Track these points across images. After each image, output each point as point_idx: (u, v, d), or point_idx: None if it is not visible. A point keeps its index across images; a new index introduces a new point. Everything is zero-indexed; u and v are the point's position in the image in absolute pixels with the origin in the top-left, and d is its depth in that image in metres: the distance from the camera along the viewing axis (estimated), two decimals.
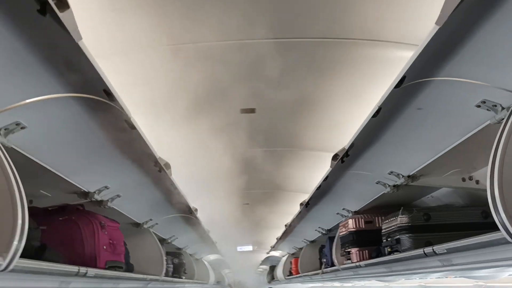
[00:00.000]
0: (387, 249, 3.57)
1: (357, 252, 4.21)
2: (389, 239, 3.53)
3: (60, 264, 2.29)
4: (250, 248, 11.36)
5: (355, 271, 4.43)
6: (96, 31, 2.13)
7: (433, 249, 2.42)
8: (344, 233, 4.55)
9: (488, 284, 4.43)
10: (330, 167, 2.82)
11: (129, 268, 4.36)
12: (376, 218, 4.28)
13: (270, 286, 13.55)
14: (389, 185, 3.47)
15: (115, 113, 1.93)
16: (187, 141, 3.19)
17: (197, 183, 4.22)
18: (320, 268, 5.92)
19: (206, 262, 11.02)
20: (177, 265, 6.66)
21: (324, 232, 6.13)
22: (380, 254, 3.87)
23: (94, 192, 3.14)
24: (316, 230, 6.30)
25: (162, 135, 3.01)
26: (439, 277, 4.27)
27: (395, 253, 3.37)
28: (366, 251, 4.18)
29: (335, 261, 4.79)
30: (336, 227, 5.22)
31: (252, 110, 2.79)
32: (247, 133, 3.16)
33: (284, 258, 10.17)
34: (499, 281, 4.47)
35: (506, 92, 1.89)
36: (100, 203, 3.39)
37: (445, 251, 2.29)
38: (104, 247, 3.25)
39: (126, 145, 2.36)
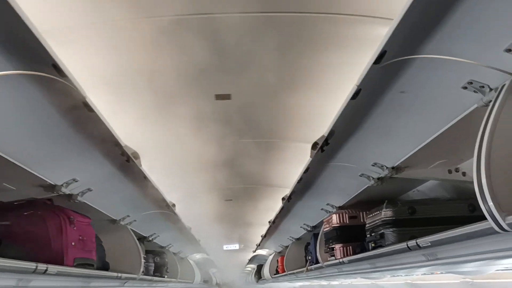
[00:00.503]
0: (371, 244, 3.43)
1: (341, 248, 4.07)
2: (373, 234, 3.40)
3: (14, 260, 2.11)
4: (236, 246, 11.19)
5: (339, 268, 4.30)
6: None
7: (416, 243, 2.29)
8: (328, 229, 4.41)
9: (475, 281, 4.33)
10: (310, 156, 2.67)
11: (105, 266, 4.18)
12: (361, 213, 4.14)
13: None
14: (373, 178, 3.33)
15: (69, 93, 1.77)
16: (159, 131, 3.00)
17: (174, 177, 4.05)
18: (305, 266, 5.78)
19: (191, 261, 10.83)
20: (159, 263, 6.48)
21: (309, 229, 5.98)
22: (364, 250, 3.74)
23: (62, 185, 2.96)
24: (301, 227, 6.16)
25: (131, 123, 2.82)
26: (425, 273, 4.16)
27: (379, 248, 3.24)
28: (350, 247, 4.04)
29: (319, 258, 4.65)
30: (322, 223, 5.09)
31: (227, 96, 2.62)
32: (223, 122, 2.99)
33: (271, 257, 10.03)
34: (486, 277, 4.38)
35: (495, 71, 1.75)
36: (69, 197, 3.20)
37: (429, 244, 2.15)
38: (73, 243, 3.07)
39: (87, 131, 2.19)
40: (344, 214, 4.18)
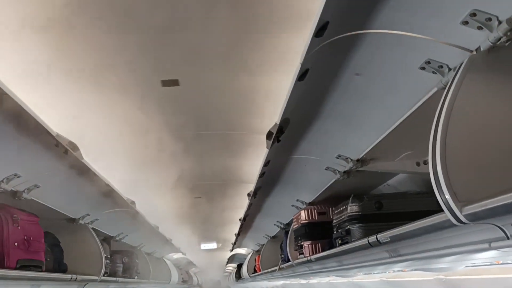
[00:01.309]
0: (338, 241, 3.27)
1: (310, 245, 3.91)
2: (339, 230, 3.24)
3: None
4: (214, 245, 10.99)
5: (309, 266, 4.14)
6: None
7: (377, 238, 2.13)
8: (297, 226, 4.24)
9: (449, 277, 4.21)
10: (267, 147, 2.49)
11: (61, 268, 3.95)
12: (329, 209, 3.98)
13: None
14: (338, 171, 3.18)
15: None
16: (101, 121, 2.78)
17: (133, 174, 3.84)
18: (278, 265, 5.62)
19: (168, 262, 10.60)
20: (128, 264, 6.25)
21: (282, 226, 5.83)
22: (332, 247, 3.59)
23: (2, 180, 2.73)
24: (275, 224, 6.00)
25: (73, 117, 2.60)
26: (399, 271, 4.01)
27: (345, 245, 3.08)
28: (319, 244, 3.89)
29: (290, 256, 4.49)
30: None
31: (175, 82, 2.41)
32: (173, 112, 2.77)
33: (249, 256, 9.87)
34: (459, 273, 4.27)
35: (453, 48, 1.59)
36: (14, 194, 2.97)
37: (389, 239, 2.00)
38: (16, 243, 2.85)
39: (12, 119, 1.97)
40: (312, 210, 4.02)
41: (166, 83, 2.36)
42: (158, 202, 4.90)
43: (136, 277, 6.44)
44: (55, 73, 2.28)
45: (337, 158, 2.96)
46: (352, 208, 3.06)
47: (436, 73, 1.71)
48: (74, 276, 3.61)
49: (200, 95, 2.63)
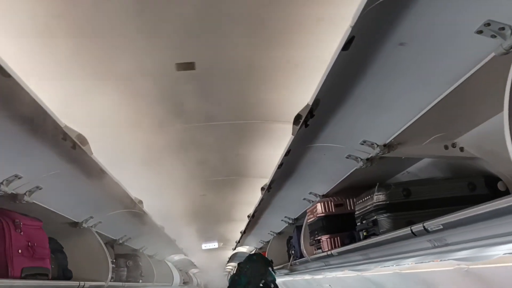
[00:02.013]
0: (363, 233, 3.08)
1: (328, 239, 3.71)
2: (364, 222, 3.05)
3: None
4: (215, 245, 10.75)
5: (326, 261, 3.95)
6: None
7: (424, 227, 1.93)
8: (312, 219, 4.05)
9: (471, 267, 4.04)
10: (292, 134, 2.29)
11: (66, 275, 3.73)
12: (347, 200, 3.80)
13: None
14: (361, 159, 2.99)
15: None
16: (107, 111, 2.55)
17: (137, 172, 3.62)
18: (289, 261, 5.43)
19: (169, 263, 10.37)
20: (132, 268, 6.02)
21: (291, 221, 5.63)
22: (354, 240, 3.40)
23: (1, 182, 2.50)
24: (282, 220, 5.80)
25: (72, 100, 2.37)
26: (419, 262, 3.84)
27: (372, 237, 2.89)
28: (338, 237, 3.70)
29: (304, 251, 4.29)
30: (304, 214, 4.74)
31: (191, 66, 2.20)
32: (187, 98, 2.56)
33: None
34: (482, 262, 4.10)
35: None
36: (14, 197, 2.75)
37: (441, 227, 1.80)
38: (19, 251, 2.63)
39: (14, 111, 1.75)
40: (329, 202, 3.83)
41: (181, 66, 2.13)
42: (163, 201, 4.67)
43: (140, 281, 6.22)
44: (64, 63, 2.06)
45: (362, 144, 2.77)
46: (378, 197, 2.87)
47: (496, 36, 1.52)
48: (82, 283, 3.38)
49: (217, 79, 2.40)
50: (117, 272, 5.26)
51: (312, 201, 4.30)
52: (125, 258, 5.81)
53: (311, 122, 2.12)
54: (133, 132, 2.93)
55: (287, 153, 2.69)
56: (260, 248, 9.29)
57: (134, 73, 2.22)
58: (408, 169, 3.35)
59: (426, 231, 1.92)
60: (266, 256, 6.54)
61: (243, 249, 11.09)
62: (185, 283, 14.21)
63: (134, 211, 4.17)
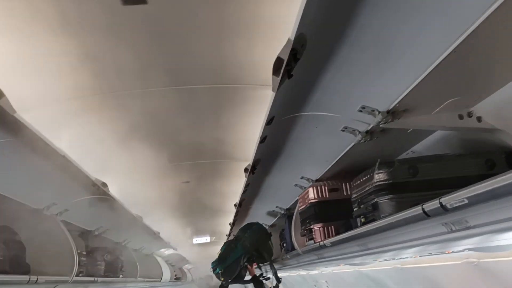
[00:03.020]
0: (360, 220, 2.63)
1: (321, 228, 3.26)
2: (362, 206, 2.60)
3: None
4: (207, 239, 10.29)
5: (319, 254, 3.49)
6: None
7: (441, 203, 1.47)
8: (303, 207, 3.60)
9: (481, 260, 3.60)
10: (273, 90, 1.80)
11: (22, 269, 3.26)
12: (343, 184, 3.35)
13: None
14: (359, 132, 2.52)
15: None
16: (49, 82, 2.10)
17: (102, 153, 3.16)
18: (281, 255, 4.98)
19: (159, 258, 9.91)
20: (111, 262, 5.55)
21: (282, 212, 5.18)
22: (350, 229, 2.94)
23: None
24: (274, 210, 5.35)
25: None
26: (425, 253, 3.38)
27: (371, 223, 2.44)
28: (332, 226, 3.25)
29: (295, 243, 3.84)
30: (296, 203, 4.29)
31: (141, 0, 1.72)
32: (139, 48, 2.08)
33: None
34: (493, 256, 3.66)
35: None
36: None
37: (465, 201, 1.34)
38: None
39: None
40: (322, 187, 3.37)
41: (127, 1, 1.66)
42: (138, 188, 4.20)
43: (120, 276, 5.76)
44: None
45: (360, 111, 2.30)
46: (379, 176, 2.41)
47: None
48: (34, 278, 2.92)
49: (173, 18, 1.91)
50: (92, 266, 4.79)
51: (304, 188, 3.84)
52: (102, 251, 5.34)
53: (296, 71, 1.65)
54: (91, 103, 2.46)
55: (270, 121, 2.22)
56: None
57: None
58: (413, 147, 2.90)
59: (443, 210, 1.46)
60: None
61: None
62: (177, 278, 13.75)
63: (103, 197, 3.70)
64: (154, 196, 4.75)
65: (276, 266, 5.28)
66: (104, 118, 2.75)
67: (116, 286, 5.67)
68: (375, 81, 2.05)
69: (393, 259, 3.43)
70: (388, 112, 2.24)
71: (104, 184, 3.31)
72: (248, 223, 4.58)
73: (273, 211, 5.39)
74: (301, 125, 2.62)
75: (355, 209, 2.70)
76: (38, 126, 2.21)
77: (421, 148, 2.86)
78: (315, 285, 9.53)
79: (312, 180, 3.65)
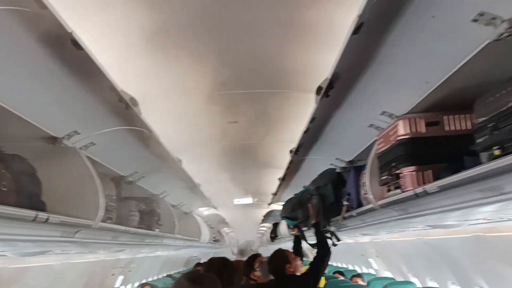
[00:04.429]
0: (490, 153, 1.81)
1: (414, 173, 2.46)
2: (495, 133, 1.78)
3: None
4: (249, 200, 9.60)
5: (404, 208, 2.68)
6: None
7: None
8: (385, 148, 2.80)
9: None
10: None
11: (35, 207, 2.63)
12: (446, 118, 2.51)
13: None
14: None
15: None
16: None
17: (126, 56, 2.45)
18: (341, 214, 4.21)
19: (198, 218, 9.39)
20: (146, 213, 4.97)
21: (344, 165, 4.39)
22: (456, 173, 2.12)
23: None
24: (331, 164, 4.56)
25: None
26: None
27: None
28: (431, 171, 2.44)
29: (370, 196, 3.03)
30: (365, 153, 3.51)
31: None
32: None
33: None
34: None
35: None
36: None
37: None
38: None
39: None
40: (417, 119, 2.55)
41: None
42: (176, 119, 3.48)
43: (157, 230, 5.18)
44: None
45: None
46: None
47: None
48: (43, 216, 2.28)
49: None
50: (124, 215, 4.20)
51: (382, 128, 3.04)
52: (136, 201, 4.76)
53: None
54: None
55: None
56: None
57: None
58: None
59: None
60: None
61: (279, 206, 9.94)
62: (215, 240, 13.32)
63: (135, 128, 3.03)
64: (195, 135, 4.02)
65: (331, 228, 4.54)
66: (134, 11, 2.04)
67: (151, 240, 5.10)
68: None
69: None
70: None
71: (135, 102, 2.60)
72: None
73: (331, 164, 4.60)
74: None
75: (479, 140, 1.88)
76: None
77: None
78: (362, 255, 8.77)
79: (395, 115, 2.83)
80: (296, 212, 4.43)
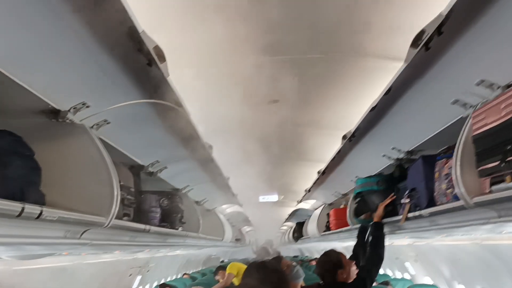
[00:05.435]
0: None
1: None
2: None
3: None
4: (275, 197, 8.97)
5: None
6: None
7: None
8: (486, 128, 2.10)
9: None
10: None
11: (32, 199, 2.01)
12: None
13: None
14: None
15: None
16: None
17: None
18: (398, 215, 3.53)
19: (221, 216, 8.76)
20: (169, 210, 4.36)
21: (401, 156, 3.69)
22: None
23: None
24: (384, 156, 3.86)
25: None
26: None
27: None
28: None
29: (461, 190, 2.32)
30: (424, 146, 2.84)
31: None
32: None
33: (318, 210, 7.93)
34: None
35: None
36: None
37: None
38: None
39: None
40: None
41: None
42: (214, 106, 2.85)
43: (180, 229, 4.57)
44: None
45: None
46: None
47: None
48: (37, 210, 1.67)
49: None
50: (143, 211, 3.59)
51: (469, 106, 2.36)
52: (158, 196, 4.15)
53: None
54: None
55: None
56: (330, 204, 7.48)
57: None
58: None
59: None
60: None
61: (306, 205, 9.27)
62: (237, 240, 12.74)
63: (161, 103, 2.39)
64: (227, 115, 3.36)
65: (390, 229, 3.87)
66: None
67: (174, 240, 4.49)
68: None
69: None
70: None
71: (161, 55, 1.94)
72: None
73: (384, 156, 3.91)
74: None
75: None
76: None
77: None
78: (397, 258, 8.11)
79: (497, 86, 2.14)
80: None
